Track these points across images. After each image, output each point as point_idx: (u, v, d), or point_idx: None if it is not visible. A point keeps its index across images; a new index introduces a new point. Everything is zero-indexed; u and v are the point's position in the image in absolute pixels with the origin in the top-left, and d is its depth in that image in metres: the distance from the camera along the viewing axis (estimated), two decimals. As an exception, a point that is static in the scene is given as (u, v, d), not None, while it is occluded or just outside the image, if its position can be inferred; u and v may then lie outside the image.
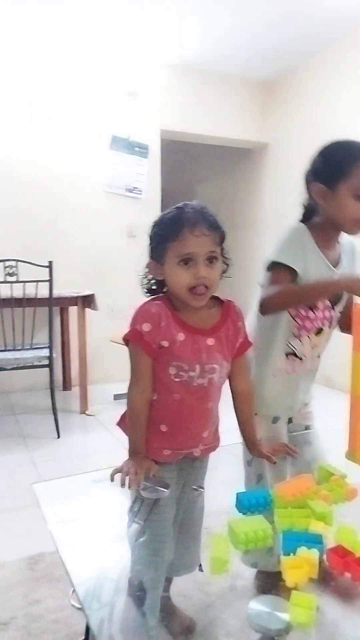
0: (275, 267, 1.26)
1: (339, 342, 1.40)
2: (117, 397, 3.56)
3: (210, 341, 1.08)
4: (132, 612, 1.02)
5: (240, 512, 1.06)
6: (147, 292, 1.14)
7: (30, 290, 2.89)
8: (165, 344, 1.05)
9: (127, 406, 1.12)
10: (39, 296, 2.90)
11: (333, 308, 1.33)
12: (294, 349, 1.33)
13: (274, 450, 1.20)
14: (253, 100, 4.74)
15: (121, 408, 1.15)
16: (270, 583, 1.08)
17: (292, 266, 1.23)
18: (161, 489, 1.07)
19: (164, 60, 4.23)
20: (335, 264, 1.32)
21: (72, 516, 1.34)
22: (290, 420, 1.42)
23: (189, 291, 1.03)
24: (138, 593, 1.03)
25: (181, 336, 1.06)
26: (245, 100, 4.71)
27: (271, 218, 4.73)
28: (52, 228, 3.95)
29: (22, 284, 2.87)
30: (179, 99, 4.40)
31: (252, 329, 1.32)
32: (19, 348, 2.97)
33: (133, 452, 1.10)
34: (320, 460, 1.37)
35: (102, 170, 4.12)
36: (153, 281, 1.14)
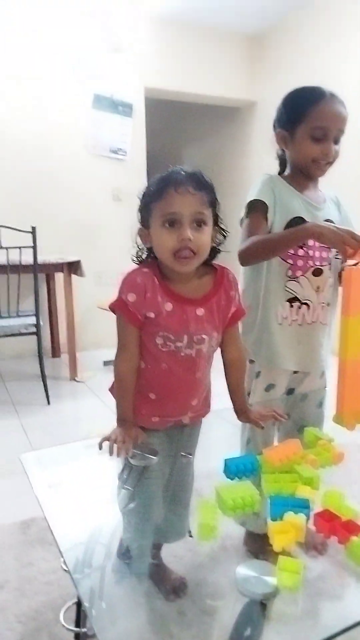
0: (250, 212, 1.30)
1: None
2: (106, 363, 3.57)
3: (200, 311, 1.05)
4: (123, 577, 1.04)
5: (227, 477, 1.07)
6: (137, 263, 1.11)
7: (14, 257, 2.83)
8: (151, 314, 1.02)
9: (113, 374, 1.11)
10: (23, 263, 2.85)
11: (329, 248, 1.31)
12: (294, 293, 1.31)
13: (262, 416, 1.19)
14: (241, 56, 4.58)
15: (111, 374, 1.14)
16: (259, 547, 1.10)
17: (263, 200, 1.27)
18: (149, 456, 1.08)
19: (149, 13, 4.05)
20: (319, 204, 1.34)
21: (61, 483, 1.35)
22: (292, 391, 1.42)
23: (173, 255, 0.98)
24: (127, 561, 1.04)
25: (169, 306, 1.03)
26: (233, 56, 4.55)
27: (259, 180, 4.63)
28: (35, 192, 3.85)
29: (5, 250, 2.80)
30: (164, 56, 4.24)
31: (246, 276, 1.36)
32: (5, 316, 2.93)
33: (121, 419, 1.10)
34: (319, 424, 1.38)
35: (85, 131, 3.99)
36: (143, 250, 1.10)
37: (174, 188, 0.97)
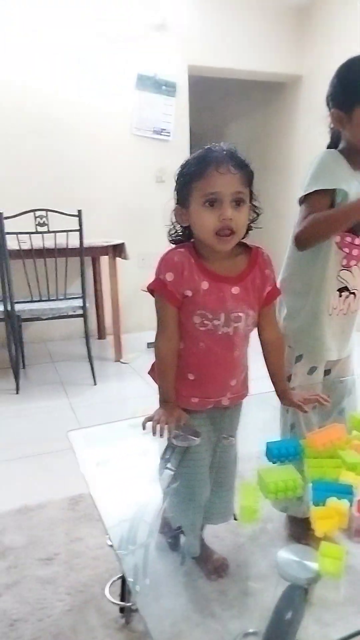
0: (310, 197, 1.20)
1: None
2: (150, 345, 3.60)
3: (236, 289, 1.05)
4: (165, 554, 1.06)
5: (269, 461, 1.07)
6: (173, 243, 1.11)
7: (62, 240, 2.88)
8: (188, 293, 1.03)
9: (155, 355, 1.12)
10: (70, 246, 2.90)
11: None
12: (345, 283, 1.28)
13: (305, 399, 1.18)
14: (286, 28, 4.41)
15: (153, 356, 1.15)
16: (300, 531, 1.09)
17: (329, 187, 1.17)
18: (192, 437, 1.09)
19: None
20: None
21: (107, 461, 1.38)
22: (328, 372, 1.39)
23: (214, 234, 0.99)
24: (169, 540, 1.06)
25: (205, 284, 1.03)
26: (277, 29, 4.38)
27: (305, 158, 4.49)
28: (80, 175, 3.89)
29: (52, 234, 2.85)
30: (208, 32, 4.13)
31: (295, 261, 1.30)
32: (54, 298, 3.01)
33: (163, 400, 1.11)
34: (354, 409, 1.35)
35: (129, 112, 3.97)
36: (179, 230, 1.10)
37: (215, 168, 0.96)
